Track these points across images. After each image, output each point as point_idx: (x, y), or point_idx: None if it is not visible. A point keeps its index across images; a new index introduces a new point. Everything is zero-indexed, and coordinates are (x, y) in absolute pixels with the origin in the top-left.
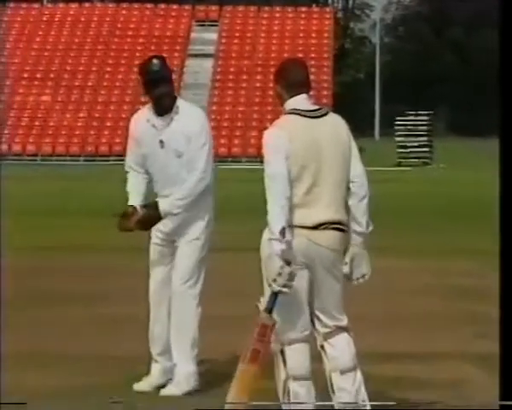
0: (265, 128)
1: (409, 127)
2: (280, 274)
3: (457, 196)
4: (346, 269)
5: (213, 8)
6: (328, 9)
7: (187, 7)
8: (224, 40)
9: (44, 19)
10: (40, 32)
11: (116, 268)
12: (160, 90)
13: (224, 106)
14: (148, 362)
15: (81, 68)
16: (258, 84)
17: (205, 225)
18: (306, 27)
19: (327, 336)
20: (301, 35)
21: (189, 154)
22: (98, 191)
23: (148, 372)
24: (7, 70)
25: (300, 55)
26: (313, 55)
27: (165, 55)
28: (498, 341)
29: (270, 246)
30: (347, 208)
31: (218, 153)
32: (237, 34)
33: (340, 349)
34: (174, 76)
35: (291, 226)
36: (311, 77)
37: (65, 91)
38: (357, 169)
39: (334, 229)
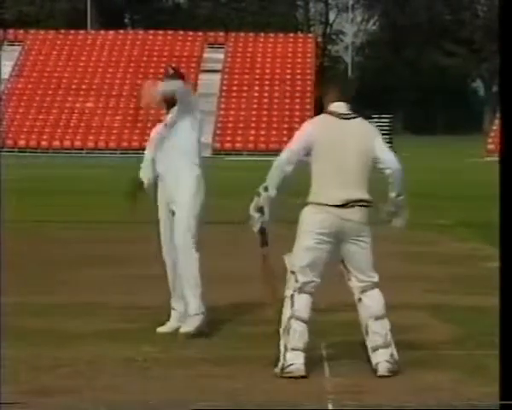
0: (261, 128)
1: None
2: (250, 217)
3: (413, 178)
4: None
5: (221, 34)
6: (310, 35)
7: (200, 33)
8: (229, 59)
9: (88, 42)
10: (85, 53)
11: (140, 237)
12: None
13: (229, 111)
14: (167, 312)
15: (117, 81)
16: (256, 94)
17: (194, 192)
18: (293, 49)
19: (363, 290)
20: (289, 55)
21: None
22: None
23: (168, 319)
24: (59, 82)
25: (288, 71)
26: (299, 71)
27: (183, 70)
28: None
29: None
30: (368, 189)
31: (224, 148)
32: (239, 55)
33: (375, 300)
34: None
35: (320, 204)
36: (298, 88)
37: (104, 99)
38: (389, 155)
39: (358, 206)
